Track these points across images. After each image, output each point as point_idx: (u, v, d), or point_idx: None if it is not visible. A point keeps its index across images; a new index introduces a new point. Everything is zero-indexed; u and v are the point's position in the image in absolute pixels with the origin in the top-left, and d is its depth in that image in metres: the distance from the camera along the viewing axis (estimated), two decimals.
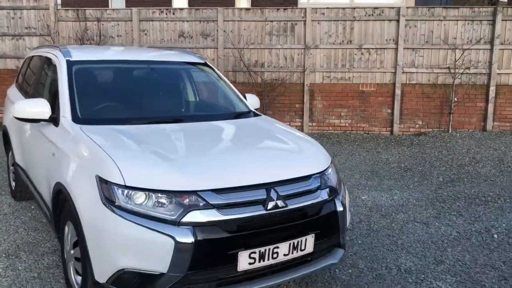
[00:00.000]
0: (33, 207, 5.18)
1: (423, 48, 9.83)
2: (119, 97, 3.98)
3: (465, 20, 9.70)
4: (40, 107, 3.53)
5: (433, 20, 9.75)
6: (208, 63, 4.65)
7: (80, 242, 2.87)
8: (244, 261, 2.67)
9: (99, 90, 3.96)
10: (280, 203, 2.78)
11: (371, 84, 10.05)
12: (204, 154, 3.07)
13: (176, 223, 2.55)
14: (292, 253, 2.84)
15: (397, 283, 3.65)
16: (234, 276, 2.72)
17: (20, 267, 3.78)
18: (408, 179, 6.65)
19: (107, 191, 2.67)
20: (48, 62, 4.30)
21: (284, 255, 2.81)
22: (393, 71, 9.93)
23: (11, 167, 5.35)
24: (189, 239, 2.50)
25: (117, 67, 4.16)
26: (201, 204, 2.61)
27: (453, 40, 9.74)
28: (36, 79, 4.48)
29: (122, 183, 2.63)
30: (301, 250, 2.88)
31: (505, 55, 9.73)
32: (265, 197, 2.76)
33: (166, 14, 10.27)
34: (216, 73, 4.58)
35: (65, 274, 3.35)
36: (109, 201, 2.64)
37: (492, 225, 4.86)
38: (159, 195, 2.62)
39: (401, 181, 6.57)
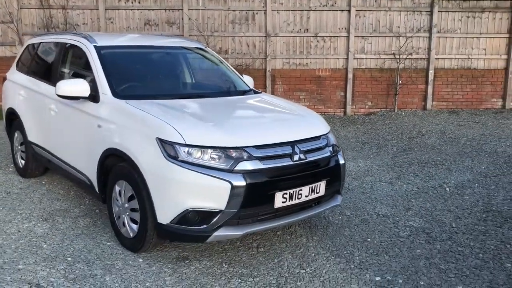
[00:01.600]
0: (44, 182, 5.64)
1: (372, 36, 10.91)
2: (145, 76, 4.60)
3: (407, 11, 10.87)
4: (81, 86, 4.08)
5: (380, 10, 10.84)
6: (207, 48, 5.34)
7: (140, 193, 3.51)
8: (279, 200, 3.44)
9: (127, 71, 4.53)
10: (301, 156, 3.58)
11: (326, 69, 11.02)
12: (239, 120, 3.81)
13: (230, 171, 3.27)
14: (311, 195, 3.65)
15: (379, 223, 4.57)
16: (270, 213, 3.49)
17: (62, 227, 4.32)
18: (368, 151, 7.66)
19: (169, 149, 3.33)
20: (70, 48, 4.80)
21: (305, 196, 3.61)
22: (345, 57, 10.94)
23: (19, 147, 5.74)
24: (242, 183, 3.24)
25: (137, 51, 4.75)
26: (246, 156, 3.35)
27: (397, 28, 10.89)
28: (56, 63, 4.93)
29: (183, 142, 3.32)
30: (316, 193, 3.69)
31: (441, 42, 11.02)
32: (291, 151, 3.55)
33: (132, 2, 10.66)
34: (216, 56, 5.28)
35: (114, 227, 3.97)
36: (172, 157, 3.31)
37: (444, 182, 5.92)
38: (214, 150, 3.32)
39: (361, 152, 7.57)
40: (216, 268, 3.59)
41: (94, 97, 4.12)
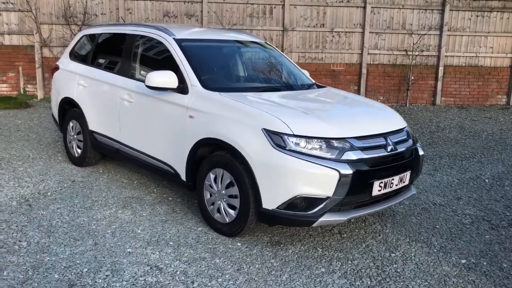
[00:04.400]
0: (101, 171, 5.75)
1: (385, 33, 11.24)
2: (224, 69, 4.77)
3: (420, 9, 11.23)
4: (171, 78, 4.22)
5: (394, 8, 11.17)
6: (270, 43, 5.54)
7: (242, 180, 3.69)
8: (376, 188, 3.69)
9: (207, 63, 4.69)
10: (393, 147, 3.83)
11: (341, 64, 11.31)
12: (334, 112, 4.05)
13: (338, 160, 3.50)
14: (399, 184, 3.91)
15: (439, 212, 4.86)
16: (366, 200, 3.74)
17: (144, 214, 4.48)
18: None
19: (277, 139, 3.53)
20: (144, 40, 4.91)
21: (395, 185, 3.87)
22: (360, 52, 11.25)
23: (75, 136, 5.82)
24: (349, 171, 3.47)
25: (212, 45, 4.91)
26: (349, 147, 3.58)
27: (410, 26, 11.24)
28: (127, 55, 5.03)
29: (291, 133, 3.52)
30: (403, 182, 3.95)
31: (451, 40, 11.43)
32: (385, 142, 3.80)
33: None
34: (278, 51, 5.48)
35: (205, 213, 4.15)
36: (280, 146, 3.52)
37: (480, 174, 6.27)
38: (319, 141, 3.54)
39: None
40: (312, 252, 3.82)
41: (182, 88, 4.27)
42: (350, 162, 3.52)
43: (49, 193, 4.90)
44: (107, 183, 5.32)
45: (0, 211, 4.37)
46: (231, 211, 3.90)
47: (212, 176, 4.02)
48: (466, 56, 11.53)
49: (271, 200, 3.58)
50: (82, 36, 5.97)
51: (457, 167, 6.56)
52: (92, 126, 5.48)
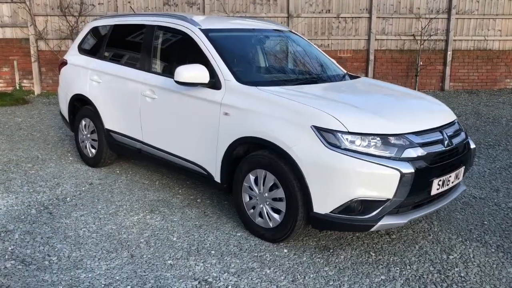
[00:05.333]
0: (118, 171, 5.41)
1: (392, 17, 10.94)
2: (255, 61, 4.43)
3: None
4: (202, 72, 3.88)
5: None
6: (294, 31, 5.21)
7: (289, 182, 3.40)
8: (435, 187, 3.41)
9: (238, 55, 4.35)
10: (450, 142, 3.55)
11: (348, 51, 11.00)
12: (386, 106, 3.74)
13: (397, 159, 3.21)
14: (454, 181, 3.64)
15: (482, 206, 4.61)
16: (425, 199, 3.47)
17: (175, 219, 4.17)
18: None
19: (330, 137, 3.23)
20: (165, 30, 4.55)
21: (452, 182, 3.60)
22: (367, 38, 10.95)
23: (89, 135, 5.46)
24: (410, 170, 3.18)
25: (239, 35, 4.57)
26: (407, 143, 3.29)
27: (417, 10, 10.95)
28: (147, 47, 4.66)
29: (345, 130, 3.22)
30: (457, 178, 3.68)
31: (459, 24, 11.16)
32: (441, 137, 3.51)
33: None
34: (306, 40, 5.15)
35: (244, 217, 3.85)
36: (334, 145, 3.22)
37: (510, 162, 6.04)
38: (376, 138, 3.24)
39: None
40: (366, 257, 3.55)
41: (213, 83, 3.94)
42: (410, 160, 3.23)
43: (68, 199, 4.56)
44: (128, 185, 4.98)
45: (20, 221, 4.03)
46: (276, 215, 3.60)
47: (252, 177, 3.72)
48: (475, 40, 11.29)
49: (323, 203, 3.29)
50: (92, 28, 5.57)
51: (485, 156, 6.32)
52: (109, 124, 5.13)
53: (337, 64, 5.04)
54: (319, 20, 10.79)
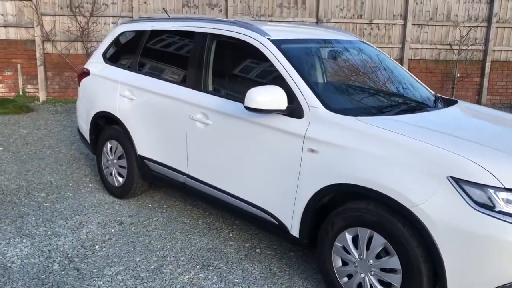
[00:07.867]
0: (149, 205, 4.53)
1: (428, 25, 10.13)
2: (345, 82, 3.55)
3: None
4: (278, 96, 3.02)
5: None
6: (367, 42, 4.34)
7: (413, 251, 2.54)
8: None
9: (322, 74, 3.48)
10: None
11: None
12: None
13: None
14: None
15: None
16: None
17: (237, 280, 3.29)
18: None
19: (477, 195, 2.37)
20: (221, 40, 3.68)
21: None
22: (401, 46, 10.13)
23: (115, 161, 4.57)
24: None
25: (316, 47, 3.68)
26: None
27: (455, 17, 10.14)
28: (199, 61, 3.76)
29: (501, 186, 2.36)
30: None
31: (499, 33, 10.37)
32: None
33: None
34: (381, 52, 4.28)
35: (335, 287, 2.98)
36: (483, 205, 2.36)
37: None
38: None
39: None
40: None
41: (292, 110, 3.07)
42: None
43: (96, 246, 3.68)
44: (166, 225, 4.10)
45: (41, 283, 3.13)
46: None
47: (348, 236, 2.85)
48: None
49: (465, 284, 2.43)
50: (122, 33, 4.68)
51: None
52: (142, 150, 4.24)
53: (421, 83, 4.18)
54: (350, 25, 9.96)
